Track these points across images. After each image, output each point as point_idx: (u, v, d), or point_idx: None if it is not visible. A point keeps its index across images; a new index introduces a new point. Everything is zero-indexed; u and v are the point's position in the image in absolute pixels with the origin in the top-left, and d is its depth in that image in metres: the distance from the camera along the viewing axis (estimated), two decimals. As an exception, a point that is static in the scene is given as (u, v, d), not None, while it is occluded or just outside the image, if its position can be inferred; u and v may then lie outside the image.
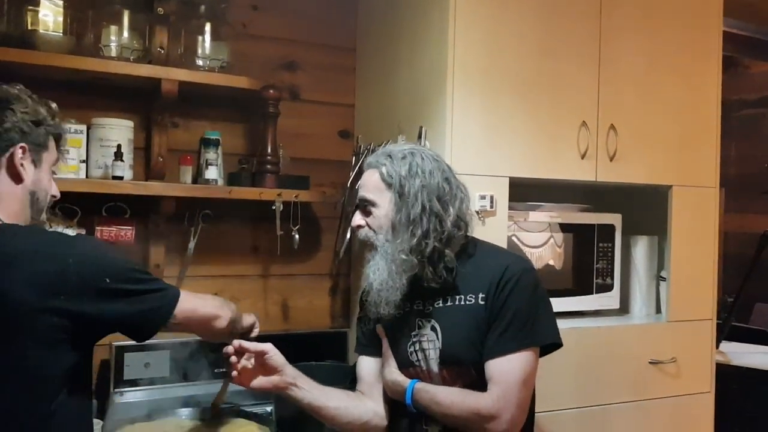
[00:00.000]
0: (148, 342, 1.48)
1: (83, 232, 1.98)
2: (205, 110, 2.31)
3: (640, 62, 2.36)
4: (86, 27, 2.06)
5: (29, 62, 1.89)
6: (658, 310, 2.52)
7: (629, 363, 2.33)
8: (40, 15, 1.96)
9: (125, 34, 2.09)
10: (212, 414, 1.80)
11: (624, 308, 2.53)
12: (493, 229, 2.08)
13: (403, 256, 1.54)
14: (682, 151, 2.44)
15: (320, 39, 2.49)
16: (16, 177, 1.37)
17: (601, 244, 2.42)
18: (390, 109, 2.32)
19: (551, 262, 2.34)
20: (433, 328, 1.60)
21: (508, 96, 2.14)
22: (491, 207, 2.09)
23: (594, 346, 2.27)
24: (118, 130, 2.08)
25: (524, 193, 2.28)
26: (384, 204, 1.59)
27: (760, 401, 2.91)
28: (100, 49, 2.06)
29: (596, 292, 2.42)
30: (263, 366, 1.58)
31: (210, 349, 2.08)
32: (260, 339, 1.64)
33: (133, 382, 2.10)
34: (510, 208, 2.16)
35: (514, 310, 1.54)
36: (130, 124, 2.13)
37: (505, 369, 1.52)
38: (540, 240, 2.32)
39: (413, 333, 1.62)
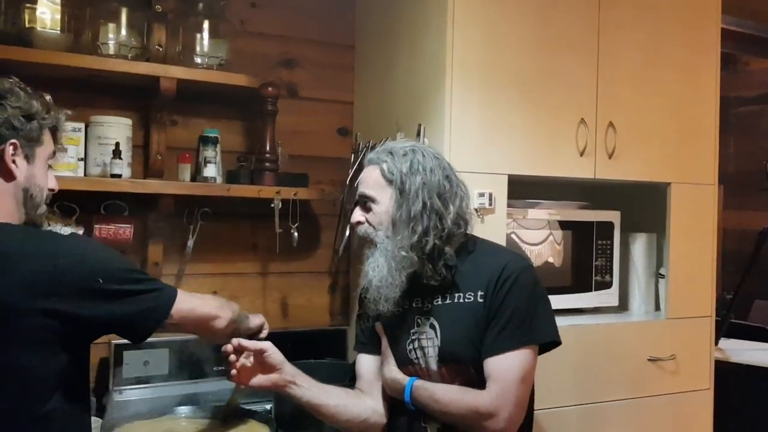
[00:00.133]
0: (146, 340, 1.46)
1: (82, 230, 1.98)
2: (203, 108, 2.31)
3: (638, 59, 2.36)
4: (84, 24, 2.06)
5: (27, 60, 1.88)
6: (657, 308, 2.52)
7: (628, 360, 2.33)
8: (38, 12, 1.96)
9: (123, 31, 2.09)
10: (225, 414, 1.79)
11: (623, 305, 2.53)
12: (492, 227, 2.08)
13: (403, 253, 1.54)
14: (680, 148, 2.44)
15: (319, 36, 2.49)
16: (8, 174, 1.34)
17: (600, 242, 2.42)
18: (388, 106, 2.32)
19: (550, 260, 2.34)
20: (432, 326, 1.60)
21: (506, 93, 2.14)
22: (490, 204, 2.09)
23: (593, 344, 2.27)
24: (117, 128, 2.08)
25: (523, 190, 2.28)
26: (384, 200, 1.59)
27: (758, 398, 2.91)
28: (98, 46, 2.06)
29: (595, 290, 2.42)
30: (262, 364, 1.58)
31: (209, 348, 2.08)
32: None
33: (133, 380, 2.10)
34: (509, 205, 2.16)
35: (512, 307, 1.54)
36: (129, 122, 2.13)
37: (504, 367, 1.52)
38: (539, 237, 2.32)
39: (412, 331, 1.63)
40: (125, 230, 2.07)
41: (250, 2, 2.39)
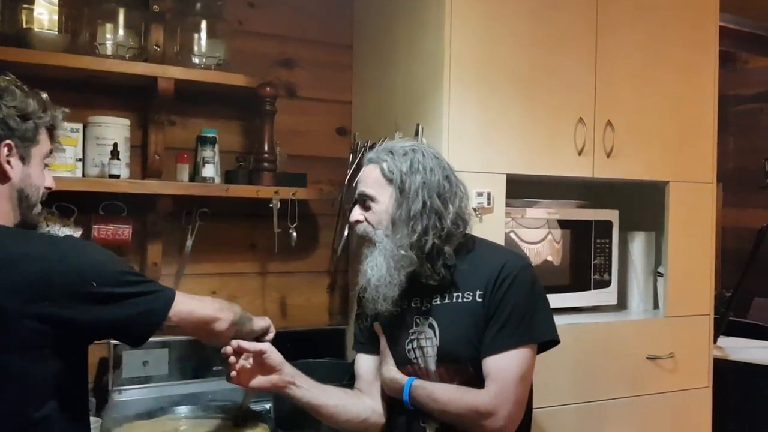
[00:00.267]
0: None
1: (80, 231, 1.97)
2: (201, 108, 2.30)
3: (637, 57, 2.36)
4: (81, 25, 2.05)
5: (24, 61, 1.88)
6: (656, 306, 2.52)
7: (627, 358, 2.33)
8: (35, 13, 1.95)
9: (121, 32, 2.08)
10: (237, 417, 1.79)
11: (621, 304, 2.53)
12: (491, 226, 2.08)
13: (402, 252, 1.54)
14: (679, 146, 2.44)
15: (317, 36, 2.49)
16: (2, 176, 1.33)
17: (598, 240, 2.42)
18: (387, 106, 2.32)
19: (549, 259, 2.35)
20: (431, 326, 1.60)
21: (504, 92, 2.14)
22: (488, 204, 2.09)
23: (592, 342, 2.27)
24: (115, 129, 2.08)
25: (521, 189, 2.28)
26: (384, 199, 1.59)
27: (757, 396, 2.91)
28: (95, 47, 2.05)
29: (594, 288, 2.42)
30: (262, 365, 1.58)
31: (208, 348, 2.08)
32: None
33: (132, 380, 2.09)
34: (507, 204, 2.16)
35: (511, 306, 1.54)
36: (127, 122, 2.12)
37: (503, 366, 1.52)
38: (537, 236, 2.32)
39: (411, 330, 1.63)
40: (124, 231, 2.07)
41: (247, 2, 2.38)
